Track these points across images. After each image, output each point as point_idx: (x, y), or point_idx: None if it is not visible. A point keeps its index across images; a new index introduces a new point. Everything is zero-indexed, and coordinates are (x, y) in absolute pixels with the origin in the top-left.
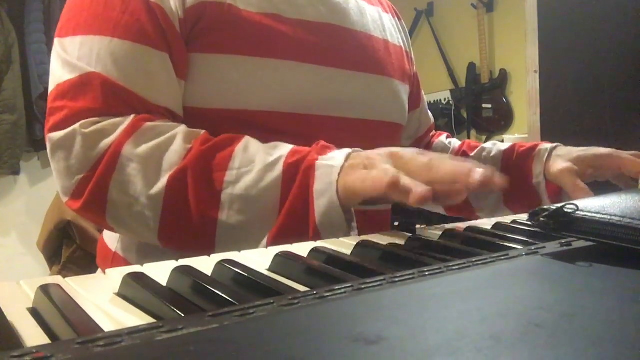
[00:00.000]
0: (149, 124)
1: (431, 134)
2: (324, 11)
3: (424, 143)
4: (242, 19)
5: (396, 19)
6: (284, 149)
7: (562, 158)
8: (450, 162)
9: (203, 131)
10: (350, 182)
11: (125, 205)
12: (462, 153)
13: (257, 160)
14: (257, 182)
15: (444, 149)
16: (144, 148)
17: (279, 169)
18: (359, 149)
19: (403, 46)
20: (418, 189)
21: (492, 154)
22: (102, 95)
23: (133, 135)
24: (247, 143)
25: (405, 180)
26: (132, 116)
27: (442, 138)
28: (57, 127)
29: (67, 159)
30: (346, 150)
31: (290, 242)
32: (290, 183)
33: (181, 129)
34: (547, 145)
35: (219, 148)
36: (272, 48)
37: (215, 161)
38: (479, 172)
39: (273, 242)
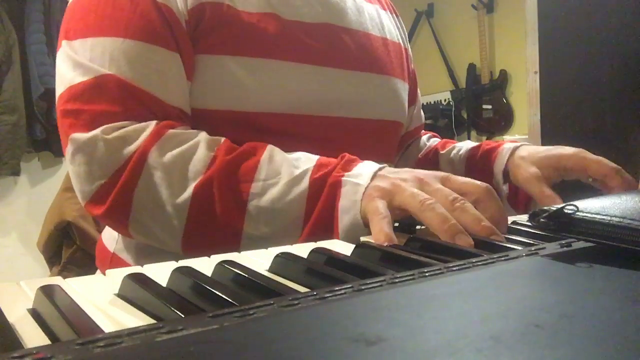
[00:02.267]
0: (171, 131)
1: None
2: (322, 11)
3: (410, 141)
4: (240, 20)
5: (394, 15)
6: (309, 162)
7: (526, 161)
8: (473, 211)
9: (223, 138)
10: (368, 214)
11: (150, 213)
12: (434, 151)
13: (282, 173)
14: (283, 195)
15: (421, 148)
16: (168, 157)
17: (305, 183)
18: (386, 165)
19: (401, 43)
20: (461, 240)
21: (460, 153)
22: (119, 97)
23: (157, 143)
24: (272, 153)
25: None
26: (154, 122)
27: (424, 138)
28: (78, 129)
29: (88, 163)
30: (373, 167)
31: None
32: (315, 197)
33: (203, 136)
34: (510, 145)
35: (244, 158)
36: (270, 49)
37: (241, 172)
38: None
39: None
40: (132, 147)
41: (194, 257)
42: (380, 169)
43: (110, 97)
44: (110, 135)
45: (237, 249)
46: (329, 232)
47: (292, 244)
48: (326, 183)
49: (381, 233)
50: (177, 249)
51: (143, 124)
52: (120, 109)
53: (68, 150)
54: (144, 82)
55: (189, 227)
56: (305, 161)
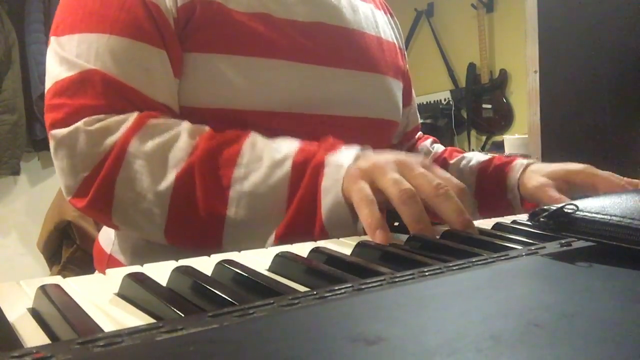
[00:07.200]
0: (153, 120)
1: (417, 136)
2: (315, 9)
3: (409, 143)
4: (231, 19)
5: (388, 15)
6: (292, 146)
7: (536, 173)
8: (456, 200)
9: (207, 127)
10: (352, 195)
11: (132, 202)
12: (442, 160)
13: (265, 157)
14: (265, 179)
15: (427, 154)
16: (150, 145)
17: (287, 166)
18: (368, 147)
19: (396, 43)
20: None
21: (470, 164)
22: (103, 92)
23: (138, 132)
24: (254, 139)
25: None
26: (136, 113)
27: (427, 142)
28: (59, 124)
29: (70, 156)
30: (355, 150)
31: (297, 240)
32: (298, 180)
33: (185, 125)
34: (523, 161)
35: (226, 144)
36: (262, 48)
37: (223, 157)
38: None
39: (280, 239)
40: (113, 138)
41: (179, 245)
42: (362, 150)
43: (94, 92)
44: (92, 126)
45: (220, 236)
46: (312, 214)
47: (275, 229)
48: (308, 165)
49: (372, 217)
50: (161, 238)
51: (125, 115)
52: (104, 102)
53: (51, 145)
54: (129, 77)
55: (171, 215)
56: (287, 146)
